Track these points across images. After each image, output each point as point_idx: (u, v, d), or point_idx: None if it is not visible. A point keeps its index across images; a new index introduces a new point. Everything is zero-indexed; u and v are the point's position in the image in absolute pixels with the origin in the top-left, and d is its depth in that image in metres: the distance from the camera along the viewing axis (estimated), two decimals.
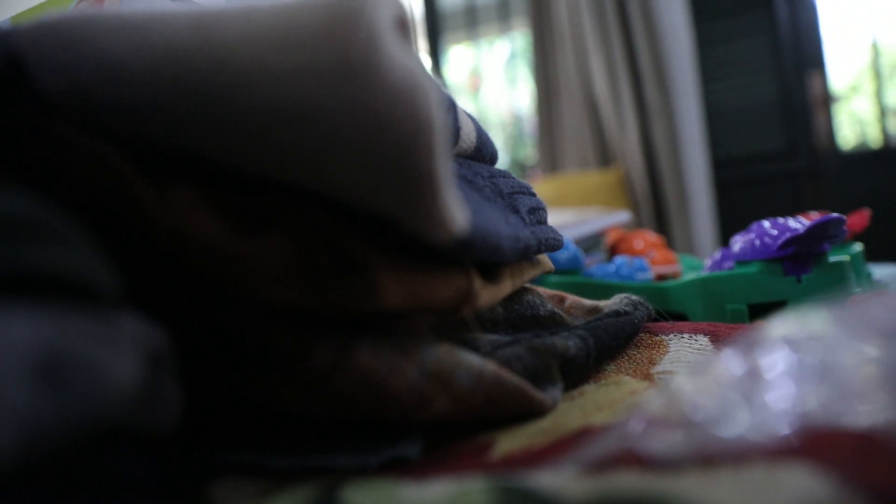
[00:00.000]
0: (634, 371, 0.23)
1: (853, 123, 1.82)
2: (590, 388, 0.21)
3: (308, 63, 0.13)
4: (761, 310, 0.32)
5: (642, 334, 0.27)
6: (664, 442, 0.12)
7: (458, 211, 0.14)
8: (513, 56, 2.23)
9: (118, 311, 0.12)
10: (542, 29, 1.97)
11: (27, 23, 0.14)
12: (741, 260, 0.33)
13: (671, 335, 0.26)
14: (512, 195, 0.24)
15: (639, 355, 0.24)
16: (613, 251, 0.59)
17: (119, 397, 0.10)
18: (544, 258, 0.27)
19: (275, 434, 0.16)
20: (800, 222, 0.33)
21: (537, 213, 0.25)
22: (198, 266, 0.14)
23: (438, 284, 0.16)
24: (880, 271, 0.42)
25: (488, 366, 0.17)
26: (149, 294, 0.15)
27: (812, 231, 0.29)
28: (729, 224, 1.81)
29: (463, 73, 2.30)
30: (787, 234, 0.31)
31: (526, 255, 0.22)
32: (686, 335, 0.26)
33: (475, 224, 0.16)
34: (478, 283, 0.18)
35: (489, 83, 2.26)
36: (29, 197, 0.11)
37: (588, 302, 0.29)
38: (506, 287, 0.21)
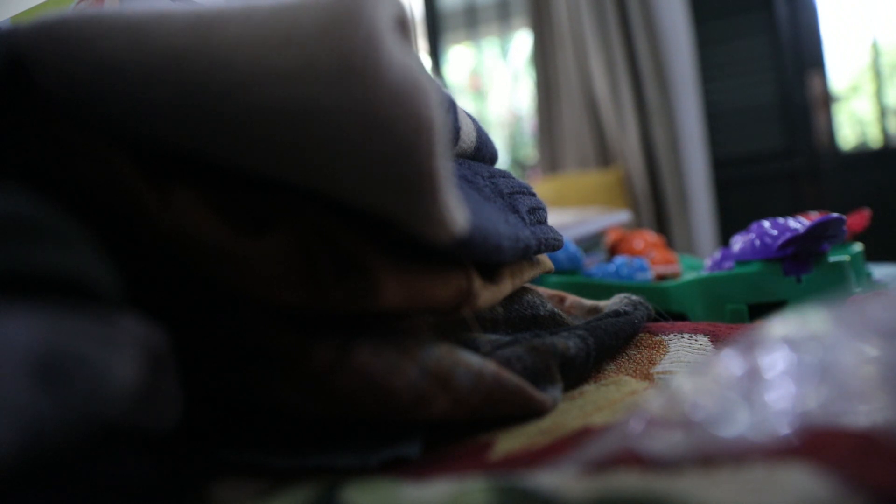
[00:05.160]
0: (634, 371, 0.23)
1: (853, 123, 1.82)
2: (590, 388, 0.21)
3: (308, 63, 0.13)
4: (761, 310, 0.32)
5: (642, 334, 0.27)
6: (664, 442, 0.12)
7: (458, 211, 0.14)
8: (513, 55, 2.22)
9: (119, 311, 0.12)
10: (542, 29, 1.97)
11: (27, 23, 0.14)
12: (741, 260, 0.33)
13: (671, 335, 0.26)
14: (512, 195, 0.24)
15: (639, 355, 0.24)
16: (613, 251, 0.59)
17: (119, 397, 0.10)
18: (544, 258, 0.27)
19: (275, 434, 0.16)
20: (800, 222, 0.33)
21: (537, 213, 0.25)
22: (198, 266, 0.14)
23: (438, 284, 0.16)
24: (880, 271, 0.42)
25: (488, 365, 0.17)
26: (149, 294, 0.15)
27: (812, 231, 0.29)
28: (729, 224, 1.81)
29: (463, 73, 2.30)
30: (787, 234, 0.31)
31: (526, 255, 0.22)
32: (686, 335, 0.26)
33: (475, 224, 0.16)
34: (478, 283, 0.18)
35: (491, 83, 2.26)
36: (30, 197, 0.11)
37: (588, 302, 0.29)
38: (506, 287, 0.21)
